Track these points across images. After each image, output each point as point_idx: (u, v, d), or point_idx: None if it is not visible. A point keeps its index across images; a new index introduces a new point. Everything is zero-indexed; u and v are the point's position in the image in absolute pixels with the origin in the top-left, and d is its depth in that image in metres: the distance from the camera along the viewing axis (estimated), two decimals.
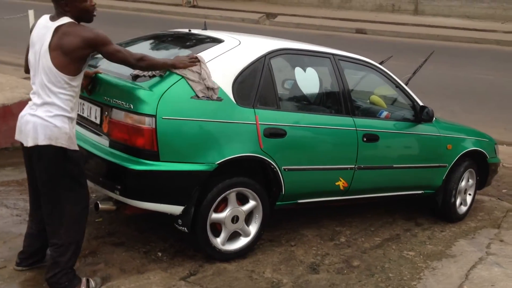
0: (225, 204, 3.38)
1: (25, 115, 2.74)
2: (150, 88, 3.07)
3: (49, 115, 2.68)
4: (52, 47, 2.65)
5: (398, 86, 4.36)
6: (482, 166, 4.86)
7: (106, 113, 3.26)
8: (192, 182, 3.18)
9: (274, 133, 3.45)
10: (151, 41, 4.04)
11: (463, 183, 4.69)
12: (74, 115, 2.81)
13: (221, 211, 3.37)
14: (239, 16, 16.00)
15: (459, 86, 9.96)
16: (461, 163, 4.60)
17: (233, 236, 3.49)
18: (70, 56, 2.67)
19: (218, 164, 3.20)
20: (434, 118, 4.37)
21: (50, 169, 2.74)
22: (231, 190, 3.35)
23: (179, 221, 3.25)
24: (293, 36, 11.68)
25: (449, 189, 4.56)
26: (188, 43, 3.85)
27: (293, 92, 4.01)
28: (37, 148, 2.69)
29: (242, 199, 3.46)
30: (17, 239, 3.47)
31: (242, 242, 3.51)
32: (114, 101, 3.15)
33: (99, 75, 3.32)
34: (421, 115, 4.25)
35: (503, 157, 5.94)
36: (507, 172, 6.10)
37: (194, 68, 3.15)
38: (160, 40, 4.05)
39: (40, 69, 2.69)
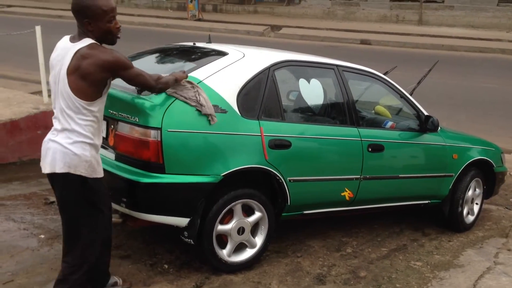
0: (231, 215, 3.39)
1: (47, 141, 2.66)
2: (155, 101, 3.10)
3: (68, 141, 2.58)
4: (70, 71, 2.54)
5: (402, 96, 4.36)
6: (489, 175, 4.84)
7: (112, 126, 3.29)
8: (198, 194, 3.19)
9: (279, 145, 3.46)
10: (156, 54, 4.08)
11: (470, 193, 4.67)
12: (96, 141, 2.68)
13: (227, 222, 3.37)
14: (244, 29, 16.11)
15: (464, 95, 9.95)
16: (467, 172, 4.59)
17: (239, 247, 3.49)
18: (88, 80, 2.55)
19: (223, 176, 3.21)
20: (439, 128, 4.37)
21: (67, 196, 2.67)
22: (237, 201, 3.35)
23: (185, 233, 3.26)
24: (297, 48, 11.75)
25: (456, 199, 4.54)
26: (193, 56, 3.88)
27: (298, 104, 4.02)
28: (54, 175, 2.63)
29: (248, 211, 3.47)
30: (24, 253, 3.50)
31: (248, 253, 3.51)
32: (120, 114, 3.18)
33: None
34: (426, 124, 4.24)
35: (510, 166, 5.91)
36: None
37: (190, 92, 3.11)
38: (166, 54, 4.09)
39: (59, 94, 2.59)
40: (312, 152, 3.70)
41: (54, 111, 2.67)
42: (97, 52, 2.56)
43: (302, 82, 3.94)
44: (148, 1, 20.22)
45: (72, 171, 2.59)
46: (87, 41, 2.59)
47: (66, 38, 2.69)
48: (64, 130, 2.60)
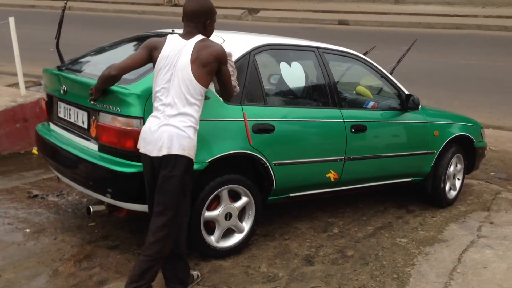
0: (218, 201, 3.39)
1: (159, 126, 2.76)
2: (136, 90, 3.07)
3: (184, 125, 2.77)
4: (193, 61, 2.79)
5: (383, 76, 4.39)
6: (469, 150, 4.92)
7: (94, 117, 3.26)
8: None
9: (263, 129, 3.47)
10: (135, 43, 4.02)
11: (451, 168, 4.75)
12: (198, 127, 2.89)
13: (214, 209, 3.38)
14: (221, 13, 15.97)
15: (443, 72, 10.06)
16: (448, 148, 4.66)
17: (227, 233, 3.51)
18: (206, 68, 2.82)
19: (208, 162, 3.21)
20: (420, 106, 4.41)
21: (175, 179, 2.76)
22: (223, 187, 3.36)
23: None
24: (276, 30, 11.72)
25: (438, 175, 4.61)
26: None
27: (280, 87, 4.02)
28: (168, 157, 2.74)
29: (234, 196, 3.48)
30: (10, 247, 3.47)
31: (236, 238, 3.53)
32: (101, 105, 3.14)
33: (84, 79, 3.30)
34: (407, 103, 4.28)
35: (490, 140, 6.02)
36: (494, 155, 6.18)
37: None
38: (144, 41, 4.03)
39: (178, 82, 2.78)
40: (295, 135, 3.71)
41: (164, 98, 2.80)
42: (212, 44, 2.88)
43: (283, 65, 3.94)
44: None
45: (186, 154, 2.77)
46: (201, 36, 2.89)
47: (175, 36, 2.92)
48: (179, 114, 2.78)
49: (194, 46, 2.83)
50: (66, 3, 3.71)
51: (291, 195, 3.79)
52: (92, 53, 3.99)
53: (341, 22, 15.76)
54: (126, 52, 3.86)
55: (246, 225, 3.55)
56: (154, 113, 2.85)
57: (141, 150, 2.86)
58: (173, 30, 4.04)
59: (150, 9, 17.15)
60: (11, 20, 6.03)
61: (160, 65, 2.85)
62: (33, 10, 16.46)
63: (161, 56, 2.86)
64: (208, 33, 2.96)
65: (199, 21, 2.91)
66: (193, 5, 2.91)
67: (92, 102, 3.15)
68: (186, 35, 2.91)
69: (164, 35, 4.01)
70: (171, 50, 2.86)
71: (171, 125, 2.76)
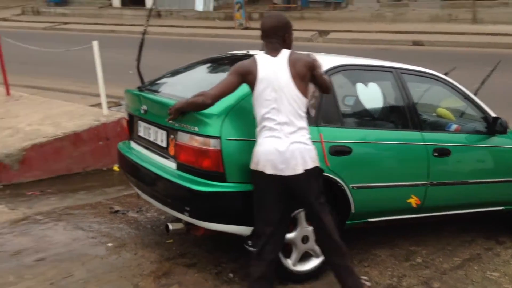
0: (294, 224, 3.32)
1: (287, 145, 2.84)
2: (214, 110, 3.08)
3: (305, 138, 2.90)
4: (293, 76, 2.88)
5: (466, 97, 4.18)
6: None
7: (172, 136, 3.31)
8: None
9: (340, 151, 3.38)
10: (209, 64, 4.09)
11: None
12: None
13: (291, 231, 3.31)
14: None
15: None
16: None
17: (305, 256, 3.42)
18: (305, 80, 2.92)
19: None
20: (508, 129, 4.14)
21: (315, 189, 2.92)
22: (300, 209, 3.29)
23: (249, 241, 3.21)
24: (347, 52, 11.54)
25: None
26: None
27: (356, 108, 3.92)
28: (307, 171, 2.85)
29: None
30: (93, 261, 3.58)
31: (313, 262, 3.43)
32: (180, 124, 3.19)
33: (164, 99, 3.38)
34: (494, 126, 4.03)
35: None
36: None
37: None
38: (220, 63, 4.10)
39: (287, 99, 2.87)
40: (374, 158, 3.60)
41: (278, 117, 2.87)
42: (301, 56, 2.95)
43: (359, 86, 3.86)
44: (196, 12, 20.50)
45: (316, 164, 2.93)
46: (287, 51, 2.97)
47: (263, 56, 2.97)
48: (298, 130, 2.89)
49: (288, 62, 2.89)
50: (146, 27, 3.85)
51: (370, 220, 3.66)
52: (170, 75, 4.10)
53: (416, 43, 15.33)
54: (202, 73, 3.96)
55: None
56: (270, 133, 2.87)
57: (269, 172, 2.86)
58: (248, 51, 4.09)
59: (223, 33, 17.54)
60: (95, 44, 6.36)
61: (261, 87, 2.90)
62: (112, 35, 17.35)
63: (259, 78, 2.90)
64: (288, 46, 3.01)
65: (279, 36, 2.97)
66: (270, 22, 3.00)
67: (170, 121, 3.20)
68: (272, 52, 2.96)
69: (239, 56, 4.09)
70: (267, 71, 2.90)
71: (297, 141, 2.85)
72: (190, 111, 3.10)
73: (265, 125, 2.90)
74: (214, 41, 16.22)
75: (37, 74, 10.47)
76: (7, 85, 7.61)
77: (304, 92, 2.90)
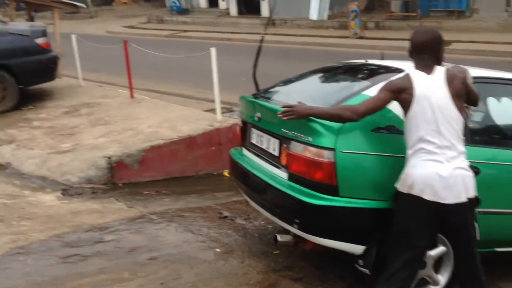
0: None
1: (450, 171, 2.70)
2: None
3: (467, 164, 2.78)
4: (453, 96, 2.76)
5: None
6: None
7: (285, 145, 3.27)
8: (374, 220, 3.00)
9: None
10: (323, 73, 4.01)
11: None
12: None
13: None
14: (403, 45, 15.33)
15: None
16: None
17: (421, 283, 3.16)
18: (462, 98, 2.80)
19: None
20: None
21: (470, 219, 2.82)
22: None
23: (360, 261, 3.07)
24: (471, 63, 10.80)
25: None
26: (365, 74, 3.73)
27: (486, 125, 3.59)
28: (468, 201, 2.75)
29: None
30: (202, 265, 3.63)
31: None
32: (293, 133, 3.13)
33: (278, 108, 3.33)
34: None
35: None
36: None
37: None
38: (335, 72, 4.01)
39: (448, 121, 2.73)
40: (504, 181, 3.27)
41: (436, 141, 2.72)
42: (455, 72, 2.82)
43: (490, 101, 3.55)
44: (310, 21, 20.52)
45: (476, 193, 2.79)
46: (442, 68, 2.84)
47: (418, 73, 2.82)
48: (460, 154, 2.76)
49: (446, 80, 2.77)
50: (264, 36, 3.85)
51: (497, 249, 3.32)
52: (284, 83, 4.07)
53: None
54: (316, 82, 3.88)
55: (442, 278, 3.17)
56: (428, 157, 2.71)
57: (428, 197, 2.70)
58: (366, 60, 3.93)
59: (337, 42, 17.34)
60: (213, 50, 6.54)
61: (418, 107, 2.75)
62: (228, 43, 17.93)
63: (417, 97, 2.75)
64: (440, 62, 2.86)
65: (432, 51, 2.84)
66: (423, 37, 2.87)
67: (284, 117, 3.00)
68: (426, 69, 2.82)
69: (355, 65, 3.94)
70: (425, 89, 2.76)
71: (460, 167, 2.72)
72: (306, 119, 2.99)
73: (423, 148, 2.72)
74: (327, 50, 16.10)
75: (158, 79, 11.09)
76: (131, 89, 8.12)
77: (461, 111, 2.76)
